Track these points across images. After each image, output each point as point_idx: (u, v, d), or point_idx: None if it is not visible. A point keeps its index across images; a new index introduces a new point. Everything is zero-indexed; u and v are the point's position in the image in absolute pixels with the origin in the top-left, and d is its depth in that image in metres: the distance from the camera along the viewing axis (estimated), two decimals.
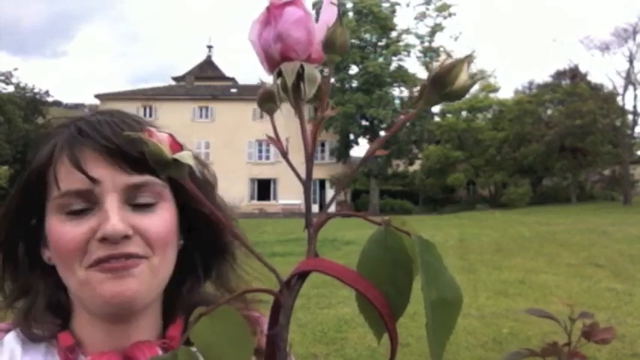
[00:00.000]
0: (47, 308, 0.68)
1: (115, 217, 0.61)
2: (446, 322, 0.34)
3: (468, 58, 0.34)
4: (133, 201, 0.64)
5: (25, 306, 0.68)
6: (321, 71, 0.37)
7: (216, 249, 0.73)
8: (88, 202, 0.62)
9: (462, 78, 0.34)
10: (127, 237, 0.61)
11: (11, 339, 0.69)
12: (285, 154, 0.39)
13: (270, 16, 0.35)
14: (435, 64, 0.34)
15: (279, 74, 0.36)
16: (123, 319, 0.66)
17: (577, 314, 0.76)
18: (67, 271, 0.63)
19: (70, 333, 0.68)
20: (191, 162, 0.35)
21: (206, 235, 0.71)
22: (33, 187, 0.64)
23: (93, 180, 0.61)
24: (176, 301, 0.71)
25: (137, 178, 0.63)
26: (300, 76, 0.36)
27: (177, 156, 0.35)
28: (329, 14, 0.36)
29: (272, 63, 0.36)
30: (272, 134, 0.39)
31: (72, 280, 0.63)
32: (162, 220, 0.65)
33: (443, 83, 0.34)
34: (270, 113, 0.41)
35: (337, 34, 0.35)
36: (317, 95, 0.36)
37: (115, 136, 0.62)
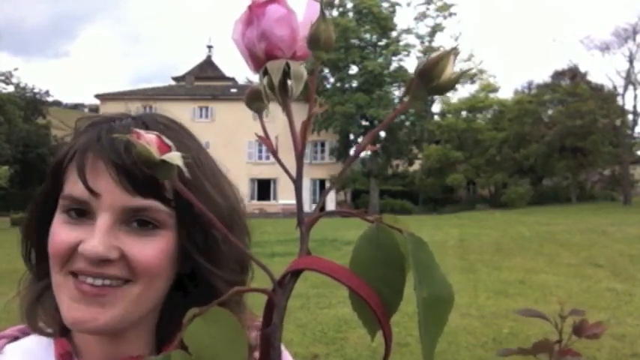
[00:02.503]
0: (54, 308, 0.65)
1: (98, 238, 0.58)
2: (437, 319, 0.34)
3: (454, 51, 0.34)
4: (131, 223, 0.61)
5: (34, 292, 0.67)
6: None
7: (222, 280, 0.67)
8: (86, 211, 0.61)
9: (448, 71, 0.34)
10: (107, 260, 0.59)
11: (13, 349, 0.68)
12: (275, 153, 0.38)
13: (253, 15, 0.35)
14: (422, 59, 0.34)
15: (265, 73, 0.36)
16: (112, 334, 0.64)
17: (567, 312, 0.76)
18: (52, 269, 0.62)
19: (69, 340, 0.67)
20: (180, 163, 0.35)
21: (211, 264, 0.65)
22: (53, 180, 0.63)
23: (92, 193, 0.59)
24: (175, 321, 0.68)
25: (138, 202, 0.60)
26: (286, 73, 0.35)
27: (165, 157, 0.35)
28: (312, 10, 0.36)
29: (257, 62, 0.36)
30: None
31: (52, 279, 0.62)
32: (156, 249, 0.61)
33: (429, 77, 0.34)
34: (258, 112, 0.41)
35: (321, 30, 0.35)
36: (304, 93, 0.36)
37: (127, 153, 0.59)
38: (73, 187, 0.60)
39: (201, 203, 0.39)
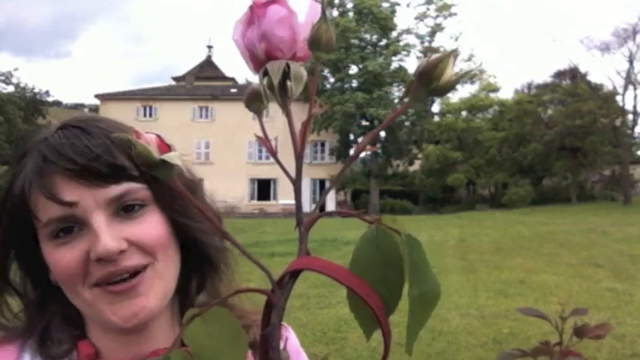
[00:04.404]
0: (64, 323, 0.67)
1: (104, 236, 0.59)
2: (421, 315, 0.35)
3: (454, 53, 0.34)
4: (120, 211, 0.62)
5: (40, 328, 0.67)
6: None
7: (206, 258, 0.70)
8: (73, 223, 0.61)
9: (448, 73, 0.34)
10: (122, 251, 0.60)
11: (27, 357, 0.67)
12: (274, 154, 0.38)
13: (254, 15, 0.35)
14: (422, 60, 0.34)
15: (265, 73, 0.36)
16: (136, 330, 0.65)
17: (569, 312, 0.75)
18: (72, 293, 0.62)
19: (89, 342, 0.67)
20: (179, 162, 0.35)
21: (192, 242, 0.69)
22: (19, 217, 0.63)
23: (69, 204, 0.60)
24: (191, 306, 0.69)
25: (117, 189, 0.61)
26: (286, 74, 0.35)
27: (165, 157, 0.35)
28: (313, 12, 0.36)
29: (257, 62, 0.36)
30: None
31: (78, 301, 0.63)
32: (153, 224, 0.63)
33: (429, 78, 0.34)
34: (257, 113, 0.41)
35: (322, 32, 0.35)
36: (304, 93, 0.36)
37: (78, 156, 0.60)
38: (48, 211, 0.60)
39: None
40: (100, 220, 0.60)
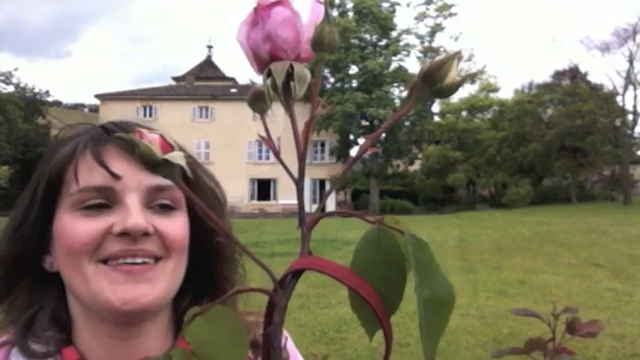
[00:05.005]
0: (51, 322, 0.66)
1: (137, 214, 0.60)
2: (439, 321, 0.34)
3: (458, 55, 0.34)
4: (153, 203, 0.63)
5: (25, 320, 0.65)
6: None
7: (213, 282, 0.72)
8: (106, 199, 0.61)
9: (452, 74, 0.34)
10: (147, 234, 0.61)
11: (13, 357, 0.66)
12: (277, 154, 0.39)
13: (258, 16, 0.35)
14: (426, 61, 0.34)
15: (269, 74, 0.36)
16: (128, 333, 0.64)
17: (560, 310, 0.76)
18: (74, 267, 0.61)
19: (75, 348, 0.66)
20: (182, 162, 0.35)
21: (211, 254, 0.70)
22: (46, 187, 0.63)
23: (114, 176, 0.61)
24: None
25: (161, 180, 0.62)
26: (289, 75, 0.36)
27: (167, 156, 0.35)
28: (316, 13, 0.36)
29: (261, 63, 0.36)
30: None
31: (77, 278, 0.61)
32: (180, 224, 0.65)
33: (433, 80, 0.34)
34: (261, 113, 0.41)
35: (325, 32, 0.35)
36: (308, 94, 0.36)
37: None
38: (89, 177, 0.61)
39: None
40: (135, 201, 0.61)
